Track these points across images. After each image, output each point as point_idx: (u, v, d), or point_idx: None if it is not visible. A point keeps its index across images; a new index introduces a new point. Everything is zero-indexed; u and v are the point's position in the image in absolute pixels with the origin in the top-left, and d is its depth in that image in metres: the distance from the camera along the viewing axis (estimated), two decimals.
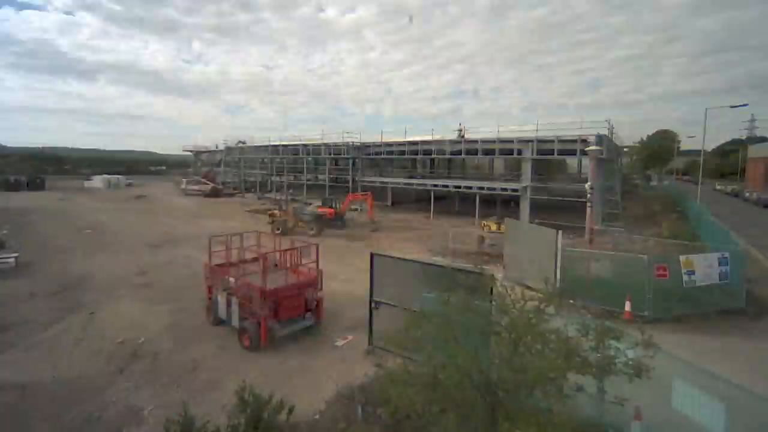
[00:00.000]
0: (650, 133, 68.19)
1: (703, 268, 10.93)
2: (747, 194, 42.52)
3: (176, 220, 29.30)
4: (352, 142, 38.32)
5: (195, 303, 11.89)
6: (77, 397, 7.57)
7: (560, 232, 13.38)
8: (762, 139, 69.40)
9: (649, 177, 73.17)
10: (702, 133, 28.55)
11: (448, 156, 34.21)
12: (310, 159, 44.12)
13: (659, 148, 64.57)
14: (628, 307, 10.51)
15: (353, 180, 38.31)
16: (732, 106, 26.35)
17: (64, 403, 7.42)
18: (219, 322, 10.46)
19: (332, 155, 40.16)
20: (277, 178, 46.51)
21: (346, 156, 38.63)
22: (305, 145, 43.53)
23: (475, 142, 30.72)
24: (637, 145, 66.39)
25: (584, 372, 4.02)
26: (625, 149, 51.96)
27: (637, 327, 4.63)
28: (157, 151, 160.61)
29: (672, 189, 42.28)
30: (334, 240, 22.60)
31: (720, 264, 11.01)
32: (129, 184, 59.02)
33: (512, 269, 13.75)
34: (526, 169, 27.93)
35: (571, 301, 10.38)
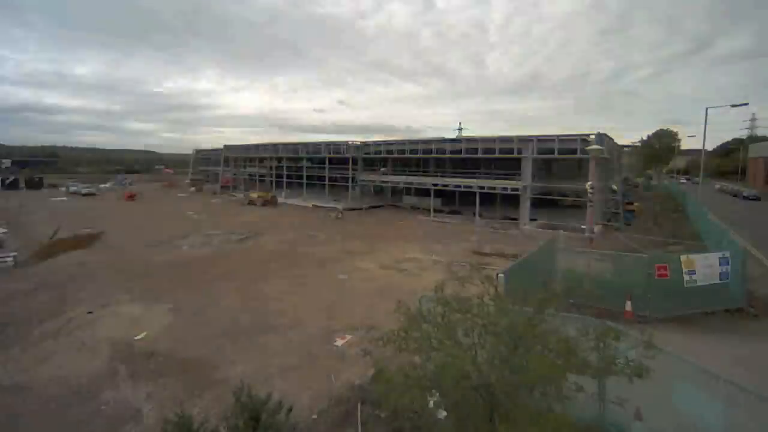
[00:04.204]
0: (650, 133, 68.17)
1: (703, 267, 10.89)
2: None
3: None
4: (352, 141, 38.30)
5: None
6: (75, 397, 7.56)
7: (561, 232, 13.37)
8: (762, 139, 69.25)
9: (650, 176, 73.11)
10: (702, 132, 28.43)
11: (448, 156, 34.14)
12: (306, 158, 44.08)
13: (659, 148, 64.56)
14: (628, 306, 10.50)
15: (353, 179, 38.27)
16: (733, 105, 26.28)
17: (62, 402, 7.41)
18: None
19: (332, 154, 40.14)
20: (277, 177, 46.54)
21: (345, 155, 38.61)
22: (305, 144, 43.50)
23: (475, 141, 30.69)
24: (638, 144, 66.35)
25: (584, 373, 4.00)
26: (625, 149, 51.91)
27: (638, 327, 4.61)
28: (156, 150, 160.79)
29: (676, 191, 43.08)
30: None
31: (720, 264, 10.99)
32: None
33: None
34: (526, 168, 27.88)
35: (571, 301, 10.39)
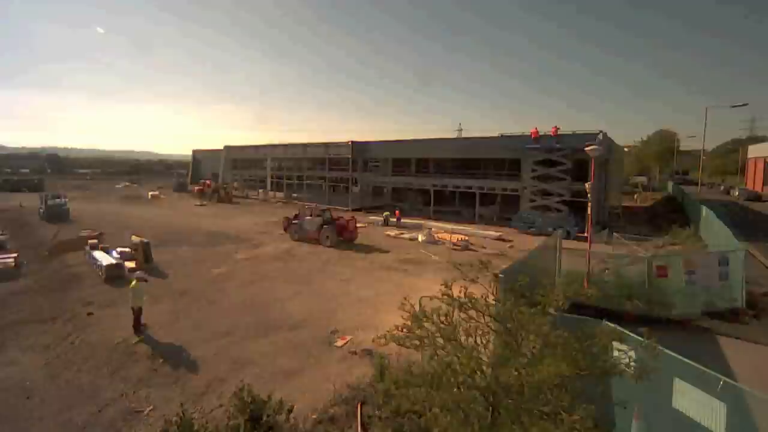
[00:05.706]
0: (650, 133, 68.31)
1: (703, 268, 10.94)
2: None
3: None
4: (352, 142, 38.33)
5: None
6: (76, 397, 7.56)
7: (560, 231, 13.41)
8: (762, 139, 69.36)
9: (649, 177, 73.25)
10: (702, 132, 28.50)
11: (448, 156, 34.19)
12: (306, 159, 44.16)
13: (659, 148, 64.74)
14: (628, 307, 10.52)
15: (353, 180, 38.26)
16: (732, 106, 26.37)
17: (63, 402, 7.41)
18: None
19: (332, 155, 40.17)
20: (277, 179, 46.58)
21: (346, 156, 38.62)
22: (306, 145, 43.56)
23: (475, 141, 30.74)
24: (638, 144, 66.54)
25: (588, 373, 4.01)
26: (626, 149, 52.04)
27: (639, 328, 4.63)
28: (157, 151, 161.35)
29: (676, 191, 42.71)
30: None
31: (720, 264, 11.02)
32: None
33: None
34: (526, 168, 27.91)
35: (571, 302, 10.39)
